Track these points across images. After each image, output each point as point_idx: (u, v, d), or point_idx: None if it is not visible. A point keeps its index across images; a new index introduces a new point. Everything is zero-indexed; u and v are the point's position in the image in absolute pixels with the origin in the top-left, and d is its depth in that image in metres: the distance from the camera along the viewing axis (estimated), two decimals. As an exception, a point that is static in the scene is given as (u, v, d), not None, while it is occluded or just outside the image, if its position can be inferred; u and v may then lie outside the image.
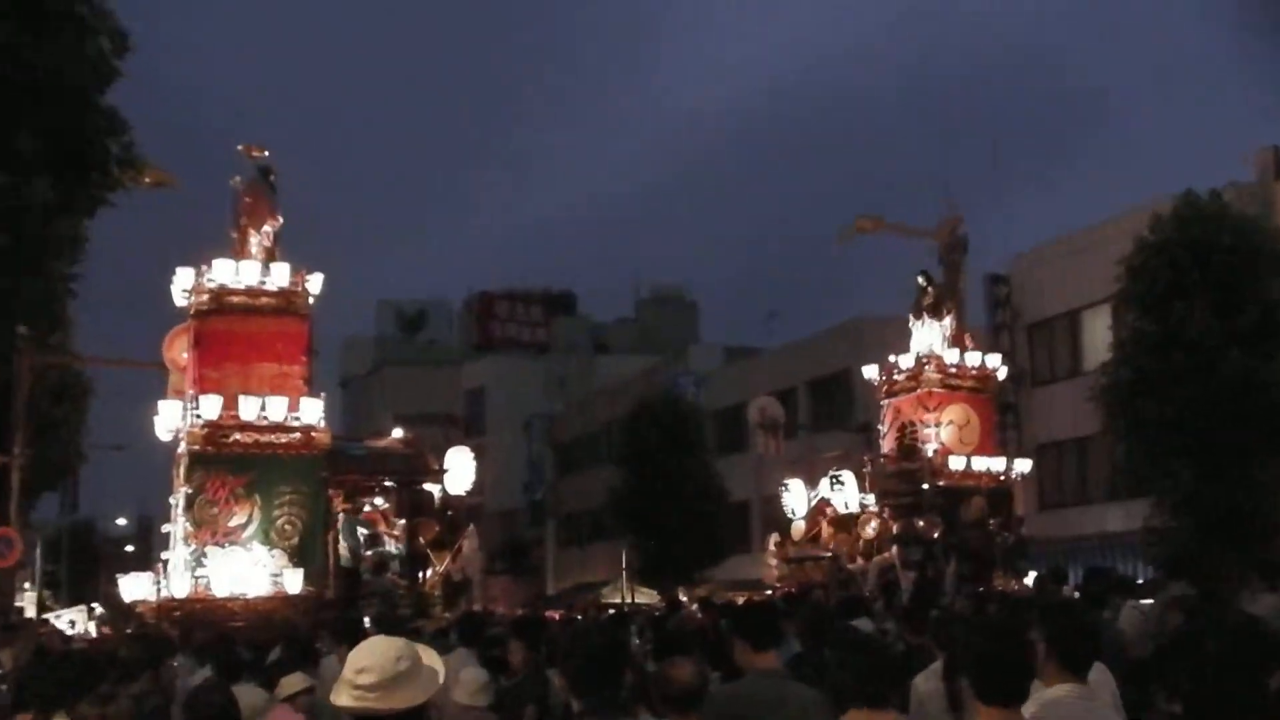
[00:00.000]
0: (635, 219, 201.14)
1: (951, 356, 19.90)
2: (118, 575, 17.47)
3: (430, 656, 3.16)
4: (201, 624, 13.53)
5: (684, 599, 26.35)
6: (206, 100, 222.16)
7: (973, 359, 20.13)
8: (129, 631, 14.07)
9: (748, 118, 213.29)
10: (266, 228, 16.21)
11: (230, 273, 15.77)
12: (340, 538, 15.96)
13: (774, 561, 20.25)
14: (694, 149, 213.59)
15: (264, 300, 15.85)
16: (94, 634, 25.59)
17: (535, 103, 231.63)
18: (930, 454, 19.31)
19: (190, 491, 15.00)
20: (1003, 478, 19.84)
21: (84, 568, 48.40)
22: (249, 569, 14.82)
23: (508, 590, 46.53)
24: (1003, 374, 21.11)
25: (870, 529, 18.86)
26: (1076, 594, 10.97)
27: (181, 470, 15.37)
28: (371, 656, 3.02)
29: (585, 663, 3.89)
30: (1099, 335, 23.72)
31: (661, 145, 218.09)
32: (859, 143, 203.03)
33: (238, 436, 15.17)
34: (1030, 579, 17.92)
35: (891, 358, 20.35)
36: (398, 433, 17.94)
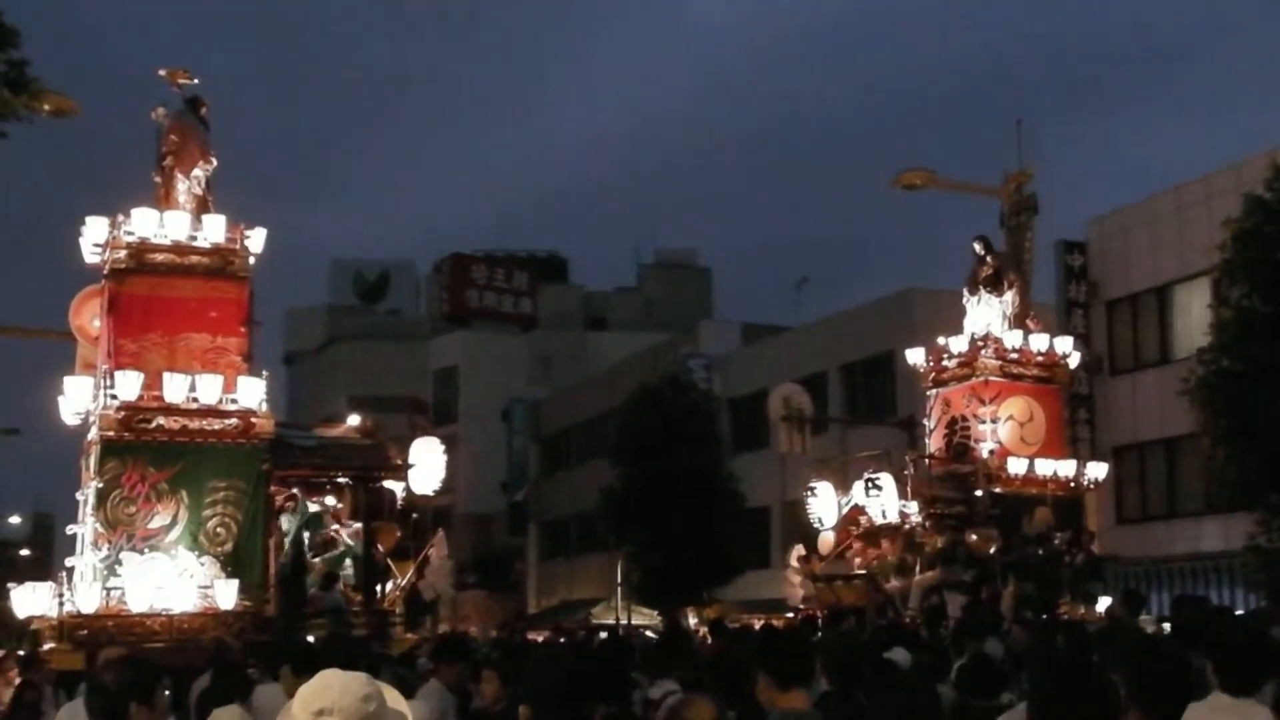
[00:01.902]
0: (639, 170, 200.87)
1: (1013, 339, 19.84)
2: (9, 585, 17.40)
3: (393, 697, 3.08)
4: (114, 645, 13.47)
5: (694, 621, 26.38)
6: (114, 11, 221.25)
7: (1039, 342, 20.07)
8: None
9: (777, 52, 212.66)
10: (197, 172, 16.11)
11: (153, 225, 15.66)
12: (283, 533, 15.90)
13: (797, 579, 20.25)
14: (710, 89, 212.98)
15: (194, 259, 15.76)
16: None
17: (522, 30, 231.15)
18: (985, 455, 19.27)
19: (102, 486, 14.92)
20: (1073, 484, 19.81)
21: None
22: (173, 579, 14.78)
23: (482, 607, 46.68)
24: (1075, 361, 21.06)
25: (912, 543, 18.84)
26: (1164, 625, 10.89)
27: (92, 461, 15.30)
28: (335, 694, 2.92)
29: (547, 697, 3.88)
30: (1195, 315, 23.64)
31: (672, 83, 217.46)
32: (911, 88, 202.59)
33: (161, 421, 15.10)
34: (1103, 605, 17.94)
35: (941, 340, 20.29)
36: (354, 419, 17.90)
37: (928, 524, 18.96)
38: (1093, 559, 19.61)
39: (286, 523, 16.04)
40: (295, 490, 16.30)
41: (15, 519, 67.58)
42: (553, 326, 59.04)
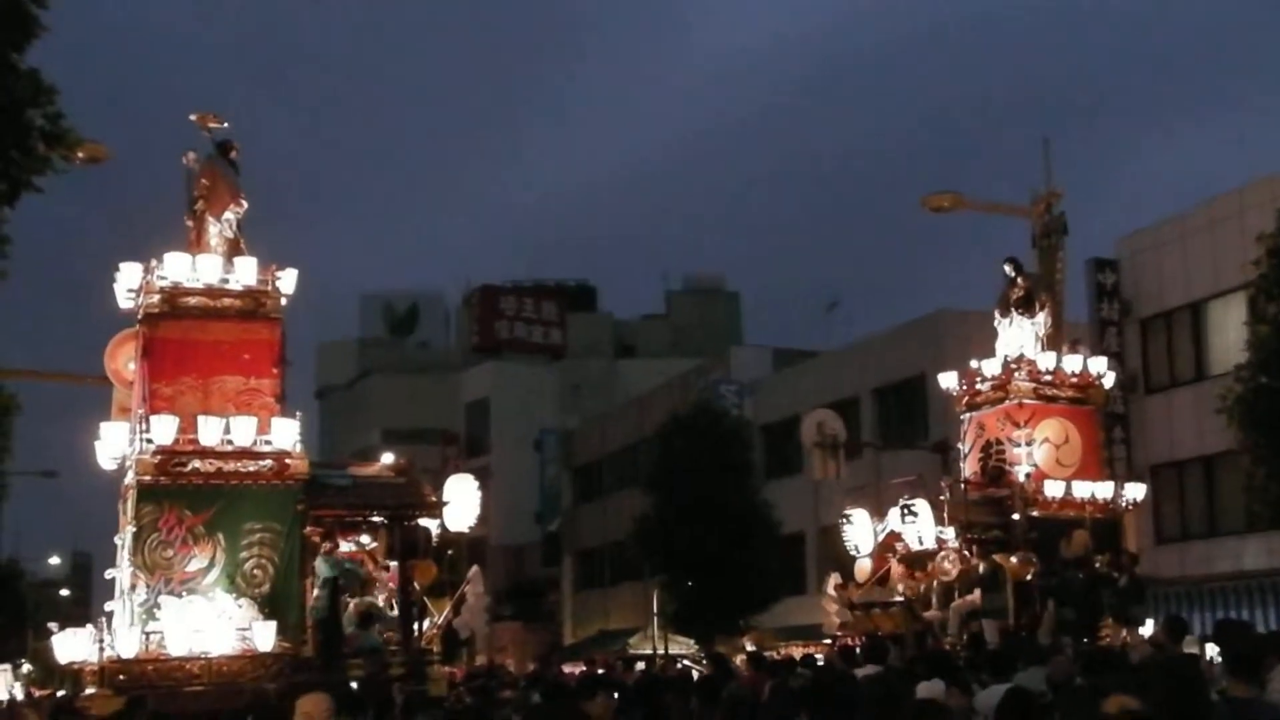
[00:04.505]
0: (666, 198, 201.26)
1: (1047, 360, 19.66)
2: (49, 625, 17.49)
3: None
4: (154, 690, 13.50)
5: (749, 649, 26.19)
6: (140, 50, 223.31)
7: (1073, 363, 19.88)
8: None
9: (806, 81, 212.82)
10: (228, 215, 16.15)
11: (185, 269, 15.70)
12: (315, 575, 15.90)
13: (834, 607, 20.10)
14: (735, 112, 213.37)
15: (226, 302, 15.77)
16: (21, 697, 25.73)
17: (545, 61, 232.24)
18: (1021, 478, 19.08)
19: (139, 530, 14.90)
20: (1111, 506, 19.59)
21: (7, 617, 48.30)
22: (211, 622, 14.76)
23: (517, 639, 46.66)
24: (1110, 380, 20.84)
25: (948, 566, 18.68)
26: (1211, 649, 10.66)
27: (129, 505, 15.32)
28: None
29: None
30: (1230, 331, 23.46)
31: (696, 107, 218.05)
32: (938, 110, 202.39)
33: (196, 465, 15.08)
34: (1147, 629, 17.72)
35: (974, 363, 20.15)
36: (388, 457, 17.86)
37: (965, 550, 18.79)
38: (1134, 581, 19.38)
39: (321, 565, 16.02)
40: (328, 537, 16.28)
41: (55, 560, 68.21)
42: (582, 355, 59.17)
